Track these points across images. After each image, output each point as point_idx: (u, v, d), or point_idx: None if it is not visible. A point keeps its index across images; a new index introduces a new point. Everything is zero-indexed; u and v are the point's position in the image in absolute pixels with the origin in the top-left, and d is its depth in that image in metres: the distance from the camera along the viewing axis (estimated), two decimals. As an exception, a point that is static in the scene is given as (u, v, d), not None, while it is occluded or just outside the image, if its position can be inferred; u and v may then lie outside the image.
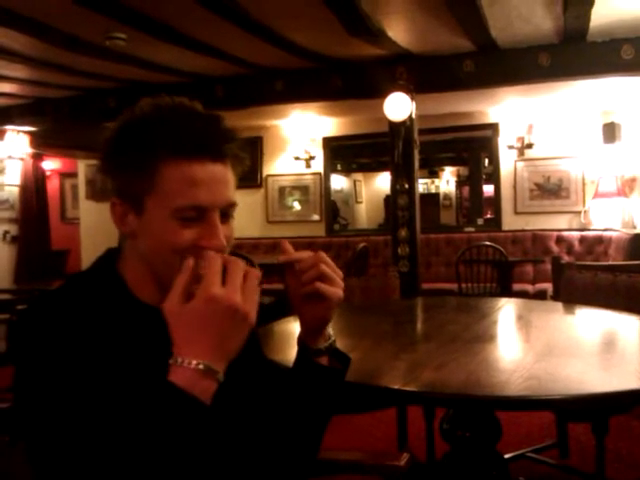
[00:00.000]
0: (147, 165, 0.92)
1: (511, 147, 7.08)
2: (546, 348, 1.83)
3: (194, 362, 0.82)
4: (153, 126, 0.93)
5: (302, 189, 7.88)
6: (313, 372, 1.07)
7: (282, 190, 7.92)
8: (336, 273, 1.02)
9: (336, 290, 1.02)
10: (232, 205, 0.97)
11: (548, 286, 5.86)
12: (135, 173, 0.93)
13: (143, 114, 0.95)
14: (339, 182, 9.88)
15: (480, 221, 7.88)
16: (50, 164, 8.76)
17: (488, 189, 8.22)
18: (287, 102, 5.94)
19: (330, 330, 1.10)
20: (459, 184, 11.60)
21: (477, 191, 9.49)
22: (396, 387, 1.46)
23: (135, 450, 0.80)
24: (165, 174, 0.91)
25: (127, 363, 0.92)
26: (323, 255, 1.03)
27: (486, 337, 2.02)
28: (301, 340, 1.09)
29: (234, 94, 5.82)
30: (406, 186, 5.53)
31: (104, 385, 0.88)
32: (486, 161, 8.56)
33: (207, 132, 0.94)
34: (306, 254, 1.03)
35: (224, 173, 0.95)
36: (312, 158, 7.70)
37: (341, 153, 8.37)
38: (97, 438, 0.83)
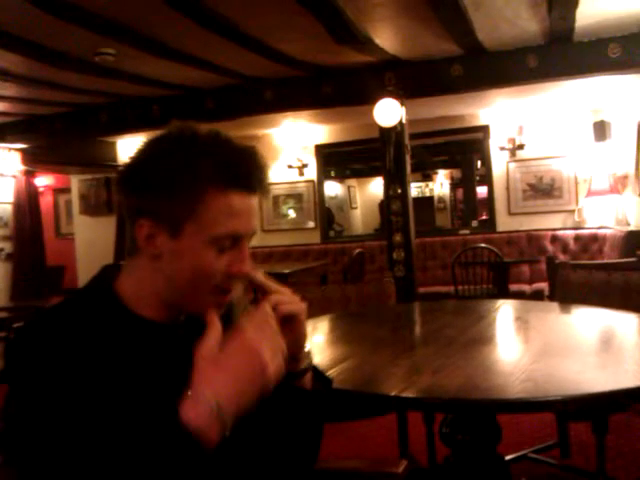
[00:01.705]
0: (191, 191, 0.94)
1: (503, 148, 7.11)
2: (543, 349, 1.83)
3: (210, 401, 0.83)
4: (198, 153, 0.95)
5: (296, 197, 7.89)
6: (296, 397, 1.07)
7: (276, 199, 7.92)
8: (286, 292, 1.03)
9: (299, 306, 1.02)
10: (255, 233, 1.03)
11: (544, 286, 5.87)
12: (177, 197, 0.94)
13: (182, 138, 0.97)
14: (333, 189, 9.90)
15: (475, 223, 7.90)
16: (43, 180, 8.76)
17: (482, 191, 8.24)
18: (277, 111, 5.96)
19: (307, 347, 1.09)
20: (453, 187, 11.63)
21: (471, 193, 9.52)
22: (393, 394, 1.46)
23: None
24: (208, 202, 0.94)
25: (126, 381, 0.92)
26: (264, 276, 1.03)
27: (483, 339, 2.02)
28: None
29: (224, 105, 5.83)
30: (399, 191, 5.54)
31: (100, 407, 0.87)
32: (479, 163, 8.60)
33: (248, 165, 0.98)
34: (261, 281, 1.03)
35: (255, 204, 1.00)
36: (305, 166, 7.71)
37: (334, 160, 8.40)
38: (89, 467, 0.83)
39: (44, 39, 4.05)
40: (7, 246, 6.74)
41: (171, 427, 0.81)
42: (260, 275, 1.02)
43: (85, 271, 7.56)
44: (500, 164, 7.23)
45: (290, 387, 1.05)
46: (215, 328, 0.90)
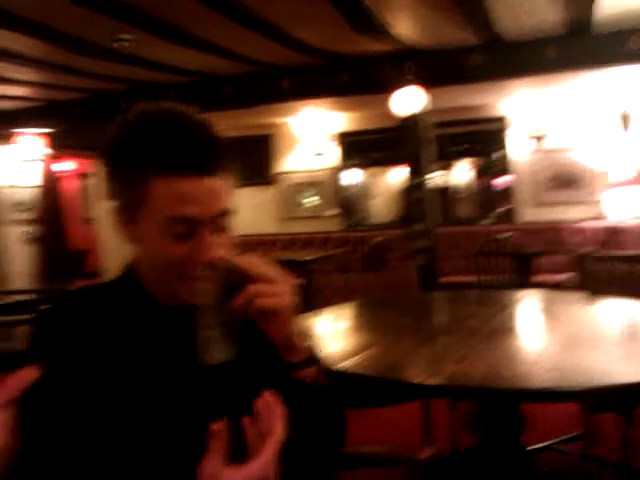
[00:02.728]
0: (137, 179, 0.93)
1: (525, 139, 7.04)
2: (568, 339, 1.82)
3: None
4: (142, 141, 0.93)
5: (316, 185, 7.88)
6: (293, 388, 1.00)
7: (296, 187, 7.92)
8: (275, 281, 0.95)
9: (281, 300, 0.94)
10: (224, 214, 0.96)
11: (567, 277, 5.82)
12: (127, 185, 0.95)
13: (134, 125, 0.96)
14: (353, 177, 9.86)
15: (496, 213, 7.84)
16: (67, 165, 8.84)
17: (503, 181, 8.17)
18: (294, 99, 5.95)
19: (306, 340, 1.03)
20: (474, 176, 11.52)
21: (492, 183, 9.43)
22: (418, 381, 1.46)
23: None
24: (154, 190, 0.92)
25: (141, 364, 0.94)
26: (255, 261, 0.96)
27: (507, 329, 2.01)
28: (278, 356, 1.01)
29: (242, 93, 5.83)
30: (419, 180, 5.52)
31: (102, 397, 0.90)
32: (500, 153, 8.51)
33: (195, 147, 0.93)
34: (246, 266, 0.95)
35: (211, 185, 0.94)
36: (325, 154, 7.69)
37: (355, 148, 8.36)
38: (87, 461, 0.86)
39: (63, 25, 4.09)
40: (32, 230, 6.84)
41: None
42: (242, 260, 0.95)
43: (108, 255, 7.65)
44: (522, 154, 7.16)
45: (290, 379, 1.00)
46: (218, 443, 0.82)
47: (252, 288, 0.92)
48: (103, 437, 0.89)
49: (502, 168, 8.05)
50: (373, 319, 2.38)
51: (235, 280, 0.93)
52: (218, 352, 0.90)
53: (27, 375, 0.78)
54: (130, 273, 1.03)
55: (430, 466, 1.39)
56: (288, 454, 1.01)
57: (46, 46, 4.41)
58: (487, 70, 5.17)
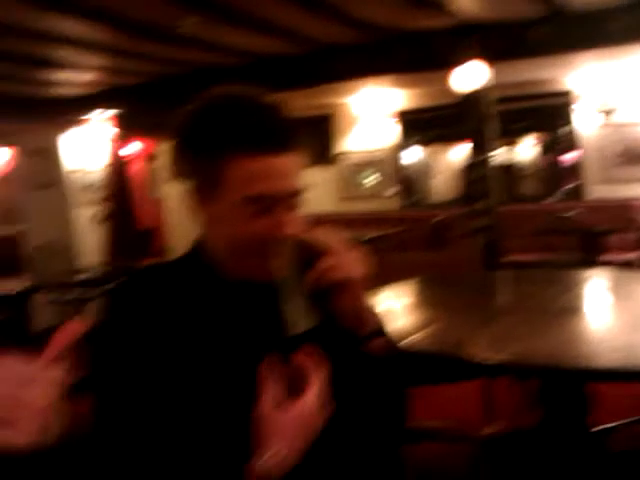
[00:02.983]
0: (214, 159, 0.95)
1: (593, 113, 6.78)
2: (636, 319, 1.78)
3: (268, 467, 0.87)
4: (220, 121, 0.96)
5: (376, 164, 7.84)
6: (361, 360, 1.03)
7: (355, 166, 7.90)
8: (347, 254, 0.98)
9: (353, 272, 0.97)
10: (297, 193, 0.99)
11: (636, 255, 5.63)
12: (204, 165, 0.97)
13: (210, 106, 0.99)
14: (413, 155, 9.75)
15: (562, 190, 7.62)
16: (134, 147, 9.09)
17: (569, 158, 7.92)
18: (354, 78, 5.89)
19: (374, 312, 1.06)
20: (539, 153, 11.19)
21: (557, 160, 9.15)
22: (481, 359, 1.46)
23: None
24: (232, 169, 0.94)
25: (212, 339, 0.97)
26: (328, 235, 0.99)
27: (573, 309, 1.98)
28: (345, 328, 1.04)
29: (301, 73, 5.83)
30: (482, 157, 5.41)
31: (172, 374, 0.93)
32: (567, 128, 8.24)
33: (270, 126, 0.95)
34: (321, 241, 0.98)
35: (287, 164, 0.96)
36: (384, 133, 7.64)
37: (415, 126, 8.25)
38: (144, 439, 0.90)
39: (128, 10, 4.17)
40: (102, 210, 7.10)
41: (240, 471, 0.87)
42: (316, 234, 0.98)
43: (174, 233, 7.88)
44: (590, 129, 6.91)
45: (357, 352, 1.03)
46: (268, 383, 0.90)
47: (324, 261, 0.95)
48: (175, 410, 0.92)
49: (569, 144, 7.80)
50: (435, 297, 2.39)
51: (308, 254, 0.97)
52: (302, 322, 0.95)
53: (75, 329, 0.80)
54: (198, 251, 1.05)
55: (492, 443, 1.39)
56: (356, 426, 1.04)
57: (111, 32, 4.52)
58: (552, 43, 4.99)
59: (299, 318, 0.95)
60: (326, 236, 0.98)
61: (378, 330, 1.04)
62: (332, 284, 0.96)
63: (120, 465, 0.90)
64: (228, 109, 0.97)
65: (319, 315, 0.96)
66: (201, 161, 0.97)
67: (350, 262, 0.97)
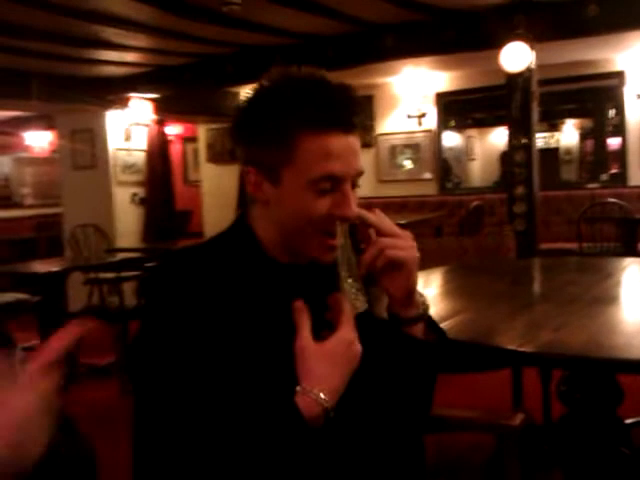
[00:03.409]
0: (284, 138, 0.95)
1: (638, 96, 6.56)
2: (675, 311, 1.74)
3: (318, 394, 0.90)
4: (289, 99, 0.96)
5: (414, 147, 7.76)
6: (403, 344, 1.06)
7: (393, 149, 7.84)
8: (400, 235, 1.01)
9: (408, 252, 1.00)
10: (361, 174, 1.01)
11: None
12: (272, 145, 0.96)
13: (277, 86, 0.98)
14: (452, 139, 9.62)
15: (604, 176, 7.44)
16: (173, 129, 9.20)
17: (613, 142, 7.70)
18: (398, 58, 5.83)
19: (423, 296, 1.08)
20: (582, 137, 10.92)
21: (601, 145, 8.94)
22: (512, 347, 1.45)
23: (231, 448, 0.88)
24: (302, 147, 0.95)
25: (256, 321, 0.97)
26: (381, 217, 1.02)
27: (609, 299, 1.94)
28: (390, 310, 1.07)
29: (345, 53, 5.79)
30: (524, 141, 5.30)
31: (225, 352, 0.93)
32: (612, 112, 8.01)
33: (341, 105, 0.96)
34: (375, 220, 1.01)
35: (354, 143, 0.98)
36: (424, 115, 7.54)
37: (454, 109, 8.13)
38: (198, 421, 0.89)
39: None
40: (141, 191, 7.22)
41: (286, 409, 0.89)
42: (372, 215, 1.01)
43: (210, 216, 7.96)
44: (636, 113, 6.69)
45: (399, 334, 1.05)
46: (304, 317, 0.94)
47: (382, 240, 0.99)
48: (199, 400, 0.91)
49: (614, 128, 7.59)
50: (467, 284, 2.36)
51: (363, 235, 1.00)
52: (359, 303, 0.99)
53: (71, 333, 0.71)
54: (244, 231, 1.04)
55: (522, 433, 1.38)
56: (384, 406, 1.06)
57: (157, 11, 4.56)
58: (605, 22, 4.83)
59: (356, 299, 0.98)
60: (380, 217, 1.01)
61: (423, 314, 1.07)
62: (388, 263, 0.99)
63: (182, 436, 0.89)
64: (298, 87, 0.97)
65: (368, 298, 1.00)
66: (269, 140, 0.97)
67: (406, 243, 1.00)
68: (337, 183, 0.96)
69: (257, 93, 1.00)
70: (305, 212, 0.97)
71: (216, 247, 1.05)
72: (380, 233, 0.99)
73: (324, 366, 0.91)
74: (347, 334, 0.94)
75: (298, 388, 0.91)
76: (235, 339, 0.94)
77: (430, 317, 1.10)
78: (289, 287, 1.01)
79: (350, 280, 0.98)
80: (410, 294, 1.04)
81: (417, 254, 1.02)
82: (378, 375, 1.06)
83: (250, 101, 1.00)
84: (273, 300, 1.00)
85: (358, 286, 0.99)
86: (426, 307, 1.08)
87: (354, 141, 0.98)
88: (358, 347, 0.95)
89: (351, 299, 0.97)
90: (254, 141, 0.99)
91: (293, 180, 0.96)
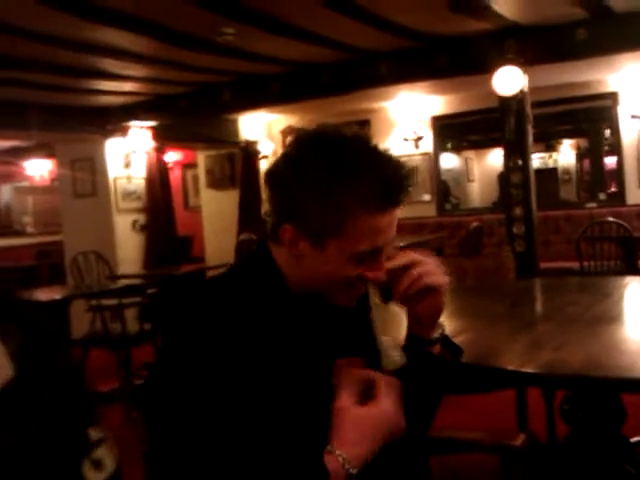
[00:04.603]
0: (336, 212, 0.95)
1: (635, 116, 6.63)
2: (675, 329, 1.74)
3: (346, 459, 0.90)
4: (345, 175, 0.95)
5: (411, 170, 7.80)
6: (427, 363, 1.09)
7: (392, 172, 7.88)
8: (429, 262, 1.05)
9: (440, 277, 1.05)
10: (395, 239, 1.05)
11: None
12: (320, 214, 0.96)
13: (331, 148, 0.97)
14: (449, 161, 9.70)
15: (602, 196, 7.47)
16: (172, 156, 9.26)
17: (610, 162, 7.76)
18: (392, 84, 5.90)
19: (441, 319, 1.12)
20: (579, 157, 11.00)
21: (598, 164, 8.99)
22: (513, 368, 1.45)
23: None
24: (353, 224, 0.96)
25: (281, 359, 0.96)
26: (414, 256, 1.06)
27: (609, 318, 1.94)
28: (411, 333, 1.11)
29: (340, 79, 5.85)
30: (519, 162, 5.35)
31: (248, 391, 0.91)
32: (607, 132, 8.08)
33: (396, 185, 0.98)
34: (404, 259, 1.05)
35: (397, 214, 1.01)
36: (420, 138, 7.61)
37: (450, 131, 8.21)
38: (217, 465, 0.88)
39: (169, 21, 4.27)
40: (141, 218, 7.24)
41: (315, 468, 0.89)
42: (397, 259, 1.03)
43: (211, 241, 7.98)
44: (631, 133, 6.75)
45: (423, 352, 1.09)
46: (346, 377, 0.94)
47: (416, 269, 1.03)
48: (253, 420, 0.90)
49: (610, 148, 7.64)
50: (466, 306, 2.37)
51: (393, 282, 1.04)
52: (398, 358, 1.03)
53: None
54: (269, 265, 1.03)
55: (524, 453, 1.38)
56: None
57: (153, 42, 4.63)
58: (594, 45, 4.90)
59: (394, 356, 1.03)
60: (402, 252, 1.05)
61: (442, 336, 1.11)
62: (425, 289, 1.03)
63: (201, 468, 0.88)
64: (355, 163, 0.96)
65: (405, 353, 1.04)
66: (317, 208, 0.96)
67: (435, 270, 1.05)
68: (376, 252, 1.00)
69: (304, 147, 0.99)
70: (340, 275, 0.99)
71: (239, 281, 1.04)
72: (410, 264, 1.03)
73: (358, 433, 0.91)
74: (387, 406, 0.93)
75: (329, 447, 0.90)
76: (260, 378, 0.92)
77: (447, 337, 1.14)
78: (313, 324, 1.03)
79: (386, 337, 1.03)
80: (436, 317, 1.09)
81: (447, 278, 1.06)
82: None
83: (295, 154, 0.99)
84: (298, 338, 1.00)
85: (393, 342, 1.04)
86: (444, 327, 1.12)
87: (397, 212, 1.01)
88: (399, 419, 0.94)
89: (390, 356, 1.01)
90: (299, 202, 0.98)
91: (338, 250, 0.97)
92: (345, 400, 0.92)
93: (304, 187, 0.96)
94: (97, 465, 0.64)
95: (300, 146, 1.00)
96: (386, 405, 0.93)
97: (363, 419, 0.91)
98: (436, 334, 1.10)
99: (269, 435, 0.91)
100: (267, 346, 0.95)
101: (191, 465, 0.87)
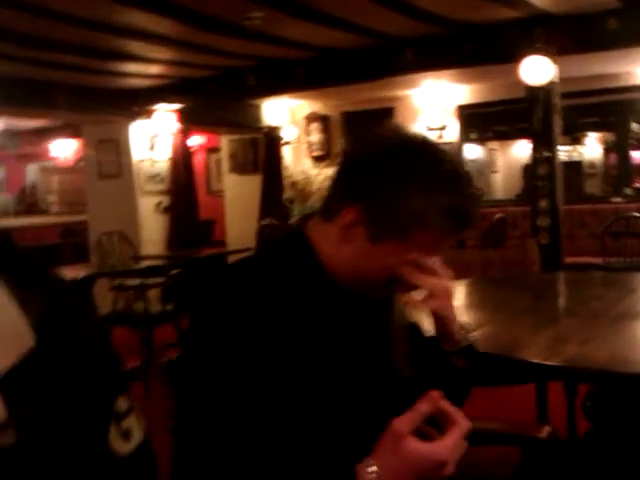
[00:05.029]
0: (406, 224, 0.95)
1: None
2: (703, 327, 1.72)
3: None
4: (434, 188, 0.95)
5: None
6: (447, 373, 1.08)
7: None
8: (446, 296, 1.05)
9: (441, 302, 1.04)
10: None
11: None
12: (396, 217, 0.96)
13: (416, 155, 0.97)
14: (474, 152, 9.61)
15: (629, 190, 7.36)
16: (196, 140, 9.29)
17: (637, 156, 7.64)
18: (418, 71, 5.85)
19: (466, 328, 1.12)
20: (605, 151, 10.83)
21: (625, 158, 8.85)
22: (537, 361, 1.45)
23: None
24: (419, 239, 0.96)
25: (316, 348, 0.95)
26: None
27: (634, 313, 1.93)
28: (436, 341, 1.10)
29: (365, 66, 5.81)
30: (546, 154, 5.28)
31: (281, 380, 0.89)
32: (635, 126, 7.94)
33: (468, 217, 0.98)
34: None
35: None
36: (445, 128, 7.54)
37: (476, 121, 8.12)
38: (246, 457, 0.87)
39: (197, 5, 4.27)
40: (165, 200, 7.29)
41: (344, 472, 0.87)
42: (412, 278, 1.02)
43: (233, 225, 8.04)
44: (661, 126, 6.63)
45: (446, 365, 1.07)
46: (420, 409, 0.86)
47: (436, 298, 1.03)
48: (287, 412, 0.90)
49: (638, 142, 7.52)
50: (489, 297, 2.36)
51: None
52: (408, 369, 1.07)
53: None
54: (305, 250, 1.01)
55: (548, 447, 1.38)
56: None
57: (180, 26, 4.64)
58: (626, 35, 4.81)
59: (405, 363, 1.06)
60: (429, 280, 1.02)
61: (466, 348, 1.09)
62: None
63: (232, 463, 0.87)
64: (447, 183, 0.96)
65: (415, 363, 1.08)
66: (389, 213, 0.96)
67: (439, 293, 1.03)
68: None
69: (410, 149, 0.98)
70: (387, 272, 0.99)
71: (272, 263, 1.01)
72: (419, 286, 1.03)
73: (402, 462, 0.85)
74: (443, 455, 0.86)
75: (368, 462, 0.86)
76: (292, 363, 0.91)
77: (471, 346, 1.11)
78: (349, 314, 1.02)
79: (402, 345, 1.06)
80: (449, 333, 1.07)
81: (451, 301, 1.06)
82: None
83: (399, 151, 0.97)
84: (334, 327, 0.99)
85: (407, 350, 1.07)
86: (467, 341, 1.10)
87: None
88: (449, 472, 0.87)
89: (400, 364, 1.05)
90: (381, 191, 0.97)
91: (391, 251, 0.97)
92: (406, 424, 0.85)
93: (394, 180, 0.96)
94: (125, 435, 0.63)
95: (404, 142, 0.99)
96: (440, 450, 0.86)
97: (412, 453, 0.85)
98: (459, 346, 1.08)
99: (297, 422, 0.90)
100: (301, 330, 0.94)
101: (219, 447, 0.87)
